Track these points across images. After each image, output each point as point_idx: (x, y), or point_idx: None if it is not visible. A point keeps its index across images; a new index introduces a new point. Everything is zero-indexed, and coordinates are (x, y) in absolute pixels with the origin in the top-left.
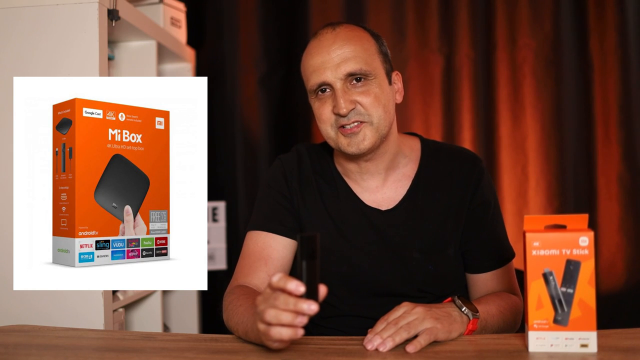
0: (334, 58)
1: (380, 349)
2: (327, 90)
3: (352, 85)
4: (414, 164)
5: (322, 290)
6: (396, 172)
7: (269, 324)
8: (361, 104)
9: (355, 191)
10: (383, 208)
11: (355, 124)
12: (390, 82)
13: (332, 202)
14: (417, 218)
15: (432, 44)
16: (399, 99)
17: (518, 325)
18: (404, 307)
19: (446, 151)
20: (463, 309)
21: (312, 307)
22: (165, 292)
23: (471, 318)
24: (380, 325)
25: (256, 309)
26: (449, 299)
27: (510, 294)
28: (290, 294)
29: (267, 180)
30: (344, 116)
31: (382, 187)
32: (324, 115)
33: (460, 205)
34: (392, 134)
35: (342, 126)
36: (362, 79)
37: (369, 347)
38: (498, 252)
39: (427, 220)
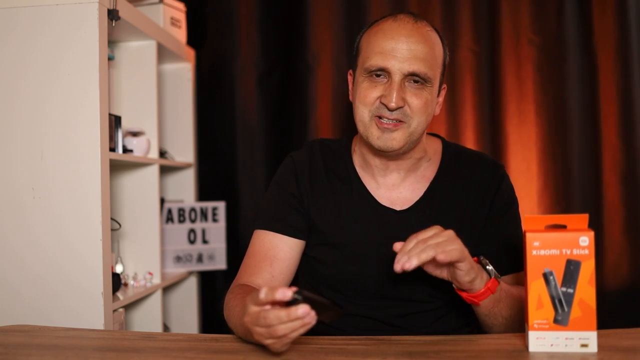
0: (407, 50)
1: (406, 267)
2: (382, 76)
3: (409, 84)
4: (434, 167)
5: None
6: (416, 173)
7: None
8: (410, 105)
9: (370, 189)
10: (398, 208)
11: (394, 122)
12: (438, 94)
13: (345, 199)
14: (433, 220)
15: None
16: (437, 111)
17: None
18: (434, 229)
19: (467, 156)
20: (488, 267)
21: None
22: (165, 292)
23: (492, 276)
24: (409, 244)
25: (251, 329)
26: (475, 258)
27: None
28: (278, 303)
29: (277, 178)
30: (390, 110)
31: (399, 186)
32: (369, 98)
33: (479, 210)
34: (420, 141)
35: (380, 117)
36: (421, 83)
37: (397, 268)
38: (516, 256)
39: (442, 224)
